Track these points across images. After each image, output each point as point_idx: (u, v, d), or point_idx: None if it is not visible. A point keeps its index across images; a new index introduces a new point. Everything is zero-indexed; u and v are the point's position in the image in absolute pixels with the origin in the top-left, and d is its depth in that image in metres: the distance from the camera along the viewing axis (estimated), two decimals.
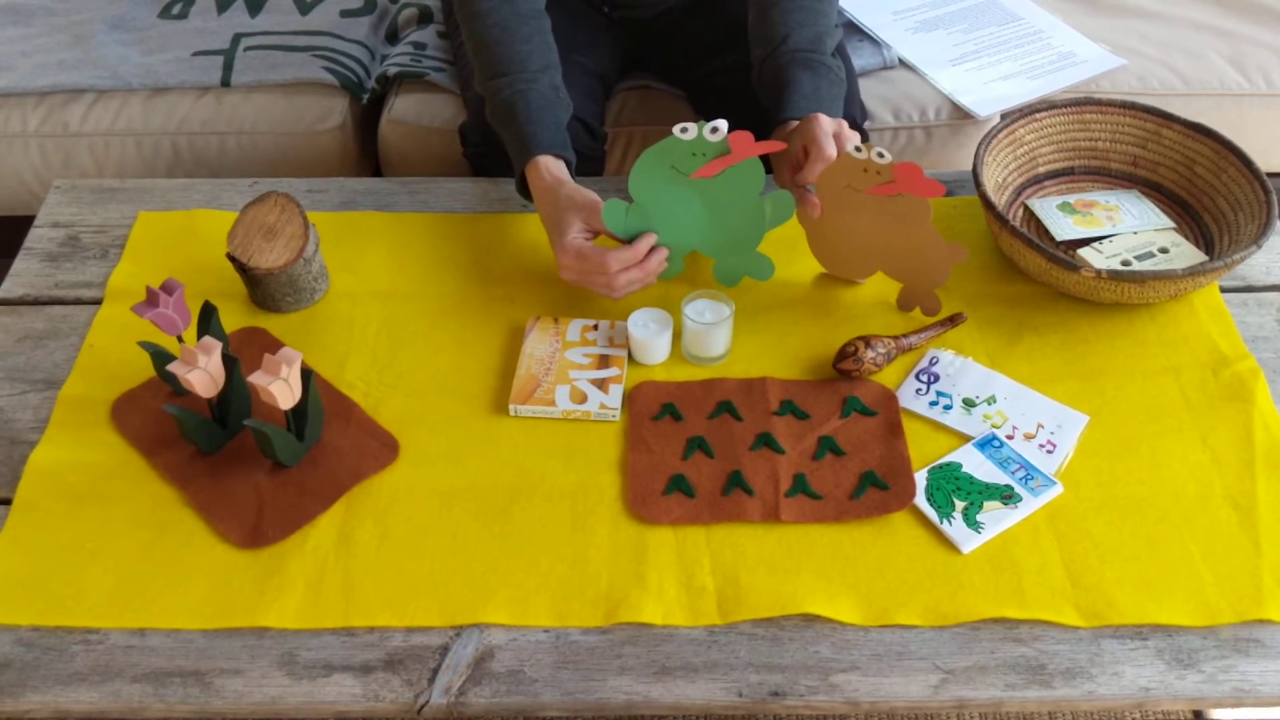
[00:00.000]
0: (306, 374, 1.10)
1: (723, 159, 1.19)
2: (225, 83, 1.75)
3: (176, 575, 1.05)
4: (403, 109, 1.73)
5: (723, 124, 1.17)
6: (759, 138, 1.18)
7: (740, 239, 1.27)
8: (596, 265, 1.21)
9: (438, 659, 0.99)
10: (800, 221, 1.29)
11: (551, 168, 1.29)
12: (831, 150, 1.21)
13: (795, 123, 1.28)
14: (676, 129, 1.18)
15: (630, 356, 1.24)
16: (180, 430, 1.15)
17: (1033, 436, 1.16)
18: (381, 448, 1.15)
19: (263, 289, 1.27)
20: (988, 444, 1.15)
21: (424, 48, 1.80)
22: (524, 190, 1.33)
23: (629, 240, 1.23)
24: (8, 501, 1.11)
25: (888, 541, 1.08)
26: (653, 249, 1.24)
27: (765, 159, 1.21)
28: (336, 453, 1.14)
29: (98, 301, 1.32)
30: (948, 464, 1.13)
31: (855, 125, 1.51)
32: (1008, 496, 1.10)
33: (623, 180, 1.29)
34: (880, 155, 1.16)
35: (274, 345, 1.25)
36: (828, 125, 1.22)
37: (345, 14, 1.91)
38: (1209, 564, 1.05)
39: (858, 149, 1.18)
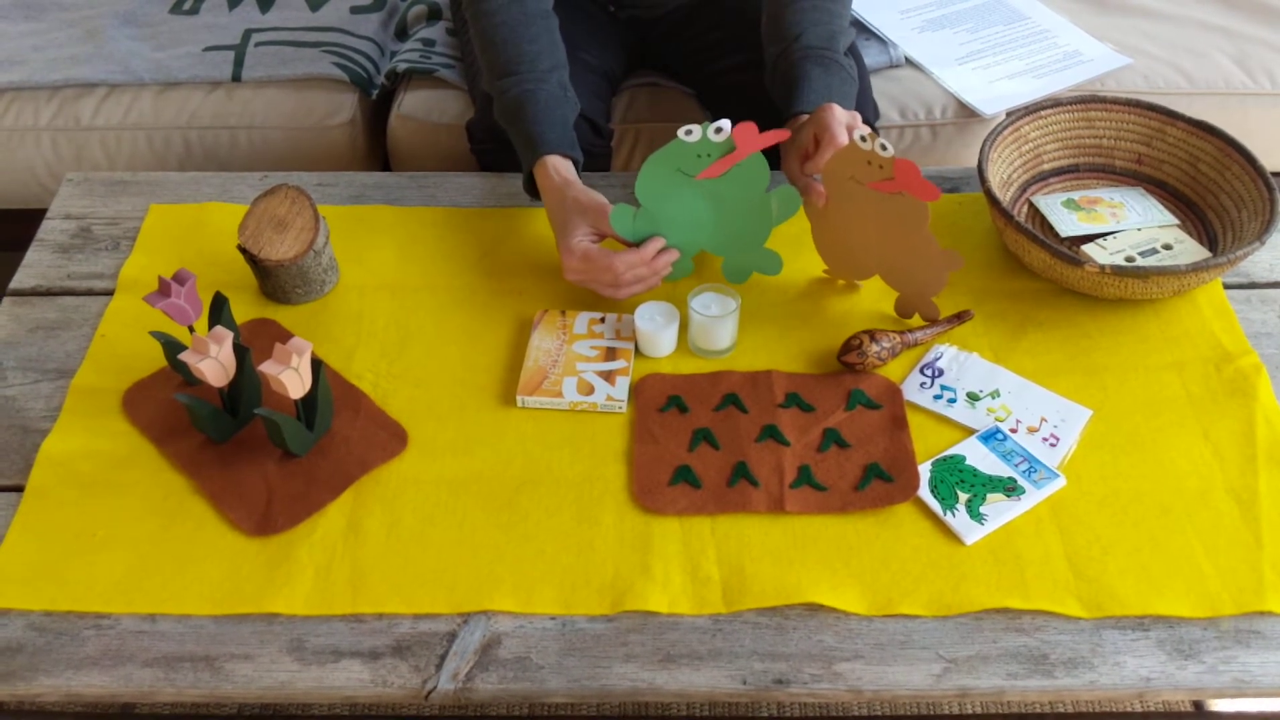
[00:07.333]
0: (316, 364, 1.11)
1: (728, 157, 1.19)
2: (236, 78, 1.76)
3: (187, 562, 1.06)
4: (411, 105, 1.74)
5: (726, 123, 1.17)
6: None
7: (748, 236, 1.27)
8: (602, 267, 1.22)
9: (445, 645, 1.00)
10: (806, 212, 1.29)
11: (559, 167, 1.29)
12: (843, 138, 1.21)
13: (806, 116, 1.29)
14: (680, 132, 1.18)
15: (637, 349, 1.25)
16: (191, 419, 1.16)
17: (1036, 430, 1.17)
18: (390, 438, 1.16)
19: (273, 280, 1.28)
20: (991, 437, 1.16)
21: (433, 44, 1.81)
22: (531, 189, 1.34)
23: (637, 244, 1.24)
24: (20, 489, 1.12)
25: (891, 533, 1.08)
26: (661, 250, 1.24)
27: (771, 156, 1.21)
28: (345, 442, 1.15)
29: (109, 292, 1.33)
30: (951, 456, 1.14)
31: (867, 124, 1.51)
32: (1011, 489, 1.11)
33: (630, 177, 1.30)
34: (883, 147, 1.16)
35: (284, 336, 1.26)
36: (841, 115, 1.23)
37: (355, 10, 1.92)
38: (1210, 556, 1.06)
39: (863, 138, 1.19)
